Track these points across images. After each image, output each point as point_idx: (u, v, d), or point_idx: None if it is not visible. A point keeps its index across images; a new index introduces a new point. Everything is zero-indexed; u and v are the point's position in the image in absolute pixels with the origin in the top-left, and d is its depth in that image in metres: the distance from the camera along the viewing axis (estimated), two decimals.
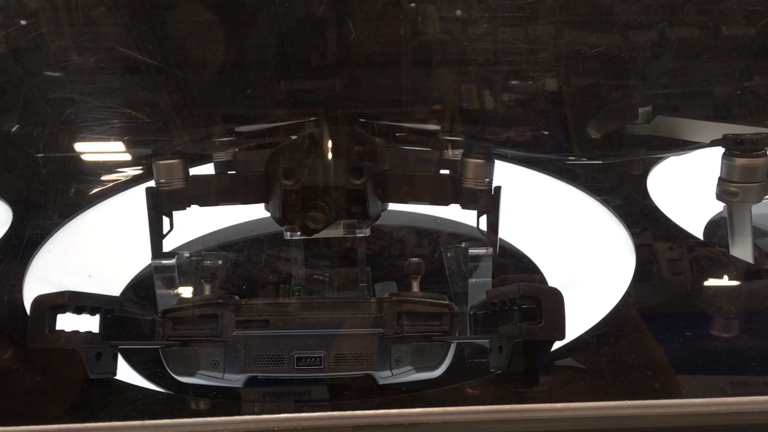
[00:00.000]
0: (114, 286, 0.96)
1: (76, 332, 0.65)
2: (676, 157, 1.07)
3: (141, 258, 0.94)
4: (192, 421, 0.65)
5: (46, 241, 0.96)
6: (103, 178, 1.06)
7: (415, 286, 0.74)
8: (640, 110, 1.21)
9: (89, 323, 0.69)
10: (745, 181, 0.84)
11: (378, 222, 0.84)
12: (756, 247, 1.05)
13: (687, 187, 1.06)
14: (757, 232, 1.08)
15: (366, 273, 0.93)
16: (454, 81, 1.30)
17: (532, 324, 0.64)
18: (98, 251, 0.99)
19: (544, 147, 1.14)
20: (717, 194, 0.87)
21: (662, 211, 0.97)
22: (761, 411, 0.64)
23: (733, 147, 0.85)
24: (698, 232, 1.01)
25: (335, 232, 0.84)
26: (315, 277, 0.93)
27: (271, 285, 0.95)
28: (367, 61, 1.28)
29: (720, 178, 0.86)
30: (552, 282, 0.95)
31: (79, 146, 1.09)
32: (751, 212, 0.86)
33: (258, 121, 0.95)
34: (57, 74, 1.16)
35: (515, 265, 0.98)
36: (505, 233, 1.00)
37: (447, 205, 0.82)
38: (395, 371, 0.70)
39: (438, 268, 0.96)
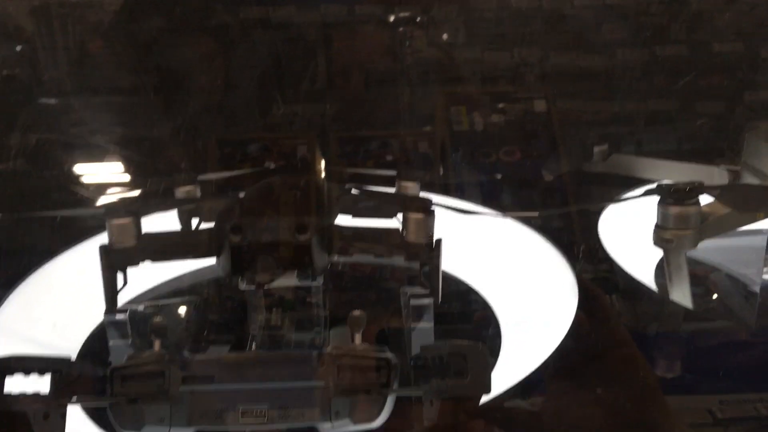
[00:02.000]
0: (77, 335, 0.99)
1: (23, 394, 0.68)
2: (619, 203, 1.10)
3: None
4: None
5: (11, 292, 0.99)
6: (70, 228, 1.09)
7: (357, 339, 0.78)
8: (596, 149, 1.25)
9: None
10: (679, 228, 0.87)
11: None
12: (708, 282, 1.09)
13: (637, 229, 1.09)
14: (708, 268, 1.12)
15: (324, 319, 0.96)
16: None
17: (458, 380, 0.67)
18: (63, 300, 1.02)
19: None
20: (654, 241, 0.90)
21: (610, 254, 1.01)
22: None
23: (666, 195, 0.88)
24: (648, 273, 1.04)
25: (289, 281, 0.87)
26: (272, 324, 0.96)
27: (227, 334, 0.98)
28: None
29: (656, 225, 0.89)
30: (503, 318, 0.98)
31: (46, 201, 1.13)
32: (685, 258, 0.89)
33: (250, 145, 0.98)
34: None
35: (467, 303, 1.01)
36: (459, 272, 1.04)
37: (391, 257, 0.85)
38: (335, 423, 0.73)
39: None
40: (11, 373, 0.68)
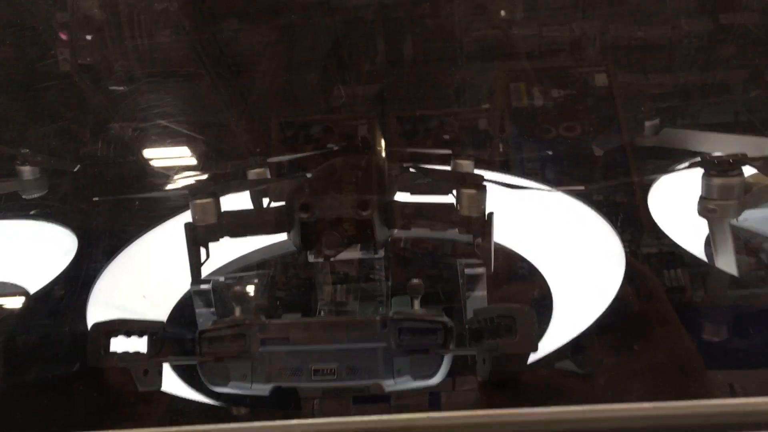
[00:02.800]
0: (165, 305, 1.10)
1: (126, 352, 0.78)
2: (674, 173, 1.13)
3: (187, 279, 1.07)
4: (224, 427, 0.77)
5: (107, 266, 1.11)
6: (156, 208, 1.20)
7: (416, 305, 0.85)
8: (647, 123, 1.28)
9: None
10: (722, 198, 0.91)
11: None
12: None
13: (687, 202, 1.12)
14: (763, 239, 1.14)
15: (387, 288, 1.04)
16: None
17: (508, 339, 0.74)
18: (151, 275, 1.13)
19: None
20: (698, 211, 0.94)
21: (658, 225, 1.05)
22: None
23: (711, 167, 0.92)
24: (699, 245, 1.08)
25: (353, 254, 0.95)
26: (338, 294, 1.05)
27: (299, 303, 1.06)
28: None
29: (700, 197, 0.93)
30: (553, 286, 1.04)
31: (132, 184, 1.24)
32: (730, 227, 0.93)
33: (312, 127, 1.05)
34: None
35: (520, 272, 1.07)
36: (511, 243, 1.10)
37: (445, 230, 0.92)
38: (397, 380, 0.81)
39: None
40: (115, 334, 0.78)
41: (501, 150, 1.27)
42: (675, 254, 1.00)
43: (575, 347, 0.85)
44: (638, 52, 1.40)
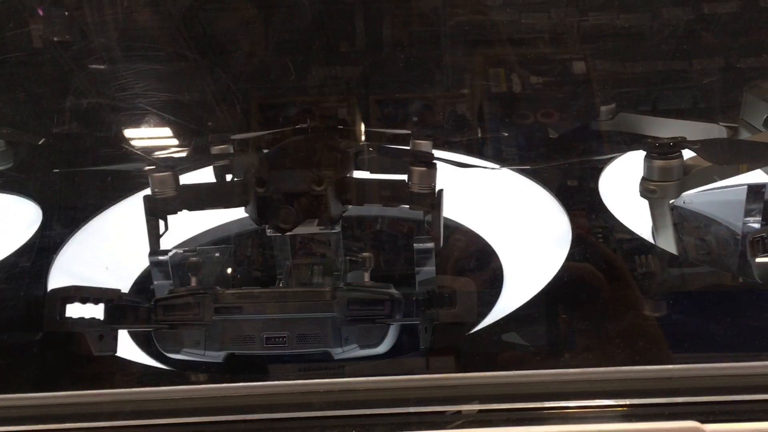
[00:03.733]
0: (127, 277, 1.12)
1: (81, 318, 0.81)
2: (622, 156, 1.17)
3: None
4: (177, 389, 0.81)
5: (70, 238, 1.13)
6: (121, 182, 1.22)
7: (366, 277, 0.89)
8: (603, 108, 1.32)
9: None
10: (662, 180, 0.95)
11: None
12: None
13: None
14: (707, 221, 1.19)
15: (343, 262, 1.07)
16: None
17: (448, 309, 0.78)
18: (114, 248, 1.16)
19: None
20: (640, 192, 0.98)
21: (605, 205, 1.09)
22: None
23: (652, 150, 0.96)
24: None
25: (310, 228, 0.98)
26: (296, 267, 1.08)
27: (259, 278, 1.10)
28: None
29: (642, 178, 0.97)
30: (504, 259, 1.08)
31: (95, 159, 1.26)
32: (669, 208, 0.97)
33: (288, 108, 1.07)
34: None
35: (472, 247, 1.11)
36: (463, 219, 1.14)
37: (397, 206, 0.95)
38: (345, 348, 0.84)
39: None
40: (71, 300, 0.81)
41: (460, 132, 1.30)
42: (616, 231, 1.04)
43: (516, 318, 0.88)
44: (602, 41, 1.43)
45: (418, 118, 1.40)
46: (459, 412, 0.70)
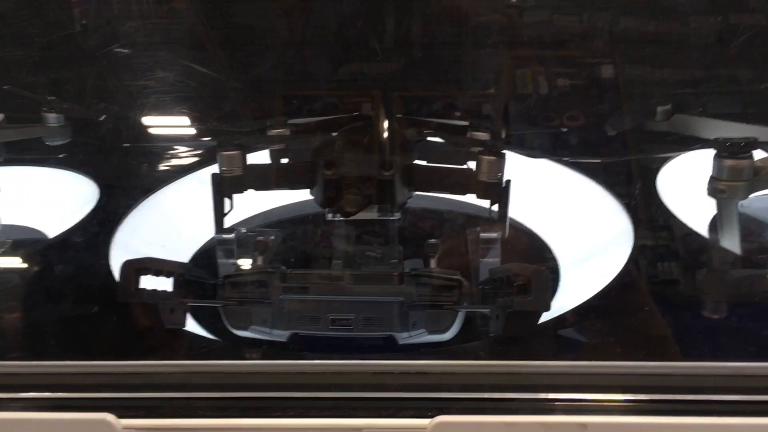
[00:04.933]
0: (182, 255, 1.13)
1: (155, 290, 0.81)
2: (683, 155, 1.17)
3: (205, 232, 1.10)
4: (244, 363, 0.82)
5: (128, 215, 1.14)
6: (175, 163, 1.23)
7: (432, 263, 0.89)
8: (659, 108, 1.31)
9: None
10: (732, 180, 0.95)
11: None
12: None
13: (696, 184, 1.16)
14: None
15: (398, 251, 1.07)
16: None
17: (522, 297, 0.78)
18: (170, 225, 1.16)
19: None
20: (708, 191, 0.97)
21: (666, 205, 1.09)
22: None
23: (722, 149, 0.95)
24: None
25: (370, 215, 0.98)
26: (355, 253, 1.08)
27: (317, 257, 1.10)
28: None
29: (711, 177, 0.97)
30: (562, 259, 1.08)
31: (155, 135, 1.27)
32: (737, 208, 0.96)
33: (316, 103, 1.08)
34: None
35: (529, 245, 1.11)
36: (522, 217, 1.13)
37: (464, 194, 0.95)
38: (411, 333, 0.84)
39: None
40: (145, 272, 0.81)
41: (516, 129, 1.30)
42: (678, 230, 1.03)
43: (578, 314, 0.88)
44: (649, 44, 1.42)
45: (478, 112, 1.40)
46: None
